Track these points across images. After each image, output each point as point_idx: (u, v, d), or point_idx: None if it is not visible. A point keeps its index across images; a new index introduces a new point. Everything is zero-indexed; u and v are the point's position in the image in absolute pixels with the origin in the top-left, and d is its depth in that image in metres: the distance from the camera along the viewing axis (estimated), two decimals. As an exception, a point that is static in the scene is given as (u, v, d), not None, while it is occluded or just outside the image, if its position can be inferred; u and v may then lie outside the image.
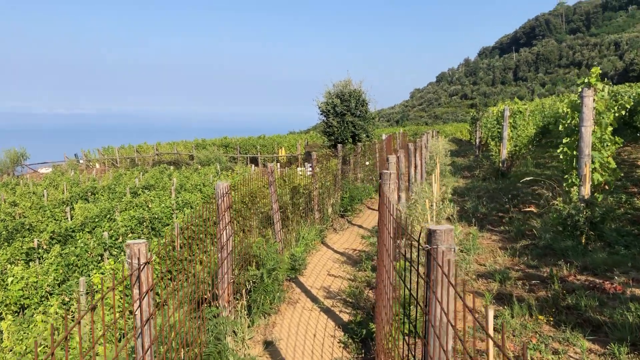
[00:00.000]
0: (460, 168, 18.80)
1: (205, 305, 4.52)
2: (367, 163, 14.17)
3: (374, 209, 12.38)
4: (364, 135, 31.97)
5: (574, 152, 7.64)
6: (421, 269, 2.59)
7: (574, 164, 7.51)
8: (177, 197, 23.73)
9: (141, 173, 38.26)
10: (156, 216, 20.16)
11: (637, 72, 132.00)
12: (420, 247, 2.19)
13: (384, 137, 19.44)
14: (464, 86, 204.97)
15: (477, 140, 23.82)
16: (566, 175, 7.73)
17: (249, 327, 5.06)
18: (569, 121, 7.86)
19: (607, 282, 5.64)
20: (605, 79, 8.33)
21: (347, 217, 11.10)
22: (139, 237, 18.06)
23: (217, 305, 4.70)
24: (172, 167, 41.35)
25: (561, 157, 7.84)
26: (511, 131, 15.82)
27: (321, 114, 32.93)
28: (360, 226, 10.42)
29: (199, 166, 41.94)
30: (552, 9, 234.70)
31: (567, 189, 7.74)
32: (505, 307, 5.19)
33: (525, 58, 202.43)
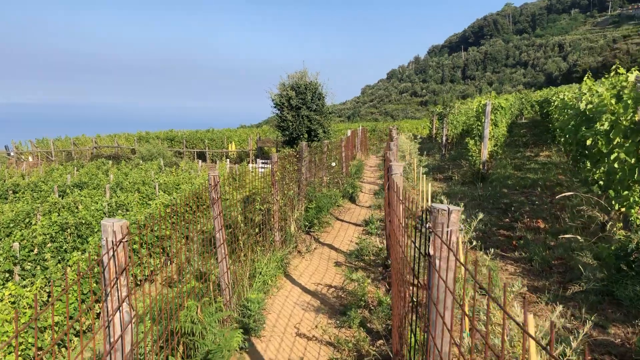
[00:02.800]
0: (430, 169, 16.95)
1: None
2: (334, 164, 12.04)
3: (344, 221, 10.24)
4: (321, 131, 29.84)
5: (634, 161, 5.63)
6: None
7: (637, 175, 5.54)
8: (112, 198, 20.89)
9: (75, 168, 34.64)
10: (83, 221, 17.22)
11: (579, 73, 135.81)
12: None
13: (349, 133, 17.34)
14: (414, 83, 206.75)
15: (444, 138, 22.13)
16: (625, 192, 5.77)
17: None
18: (628, 116, 5.84)
19: None
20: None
21: (313, 233, 8.93)
22: (61, 247, 15.28)
23: None
24: (110, 162, 37.88)
25: (616, 165, 5.86)
26: (492, 129, 14.07)
27: (275, 107, 30.56)
28: (331, 246, 8.26)
29: (141, 161, 38.59)
30: (499, 10, 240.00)
31: (622, 209, 5.81)
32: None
33: (473, 57, 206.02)
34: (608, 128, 6.25)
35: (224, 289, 4.82)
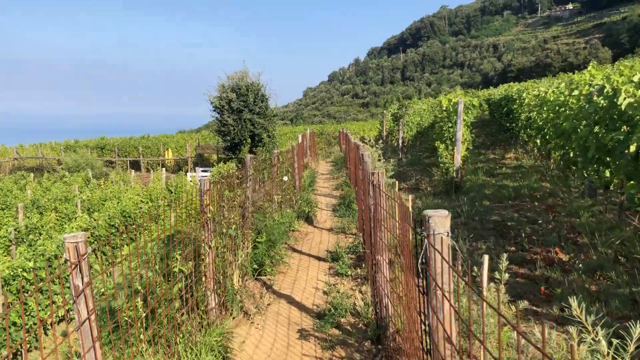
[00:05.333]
0: (392, 177, 14.98)
1: None
2: (285, 179, 9.78)
3: (303, 253, 7.99)
4: (266, 136, 27.42)
5: None
6: None
7: None
8: (26, 219, 17.74)
9: (-13, 184, 30.52)
10: (-26, 256, 14.11)
11: (514, 72, 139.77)
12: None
13: (299, 138, 15.09)
14: (355, 85, 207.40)
15: (400, 142, 20.32)
16: None
17: None
18: None
19: None
20: None
21: (265, 278, 6.62)
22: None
23: None
24: (32, 175, 33.90)
25: None
26: (464, 130, 12.24)
27: (214, 111, 27.92)
28: (290, 299, 6.00)
29: (67, 173, 34.70)
30: (436, 12, 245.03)
31: None
32: None
33: (412, 58, 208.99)
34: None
35: None
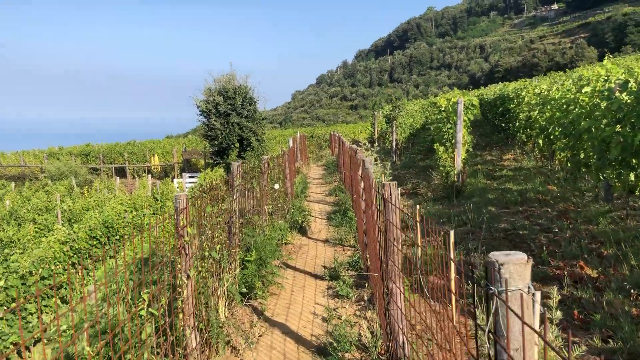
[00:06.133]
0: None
1: None
2: (277, 186, 9.00)
3: (298, 269, 7.22)
4: (254, 139, 26.59)
5: None
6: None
7: None
8: (1, 232, 16.82)
9: (-36, 194, 29.37)
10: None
11: (502, 73, 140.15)
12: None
13: (290, 142, 14.32)
14: (343, 88, 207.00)
15: (394, 144, 19.62)
16: None
17: None
18: None
19: None
20: None
21: (255, 302, 5.84)
22: None
23: None
24: (13, 184, 32.79)
25: None
26: (465, 132, 11.56)
27: (201, 115, 27.07)
28: (284, 328, 5.23)
29: (49, 181, 33.59)
30: (422, 13, 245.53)
31: None
32: None
33: (399, 60, 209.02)
34: None
35: None
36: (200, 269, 4.30)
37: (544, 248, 6.74)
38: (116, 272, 2.56)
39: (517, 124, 16.56)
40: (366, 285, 6.09)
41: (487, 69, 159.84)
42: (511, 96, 17.89)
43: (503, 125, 20.70)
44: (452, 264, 3.91)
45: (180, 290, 3.70)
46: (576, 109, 9.30)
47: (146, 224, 17.64)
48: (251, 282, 5.81)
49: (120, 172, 40.00)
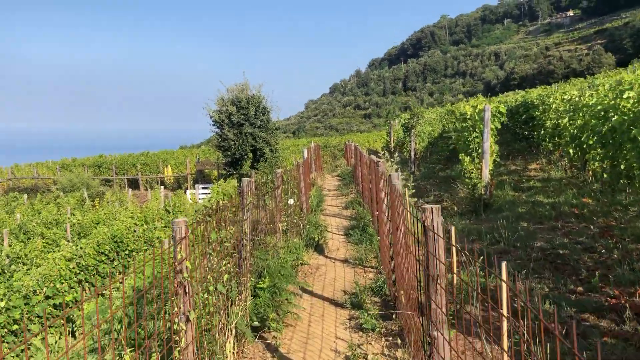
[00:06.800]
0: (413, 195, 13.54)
1: None
2: (291, 202, 8.36)
3: (315, 294, 6.54)
4: (268, 150, 26.02)
5: None
6: None
7: None
8: (8, 247, 16.43)
9: (-23, 207, 29.16)
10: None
11: (517, 80, 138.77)
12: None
13: (305, 153, 13.67)
14: (357, 97, 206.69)
15: (412, 153, 18.91)
16: None
17: None
18: None
19: None
20: None
21: (268, 335, 5.17)
22: None
23: None
24: (26, 196, 32.59)
25: None
26: (493, 141, 10.84)
27: (214, 125, 26.60)
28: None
29: (61, 193, 33.34)
30: (436, 22, 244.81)
31: None
32: None
33: (413, 69, 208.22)
34: None
35: None
36: (204, 306, 3.65)
37: (592, 271, 6.00)
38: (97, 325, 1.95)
39: (543, 132, 15.78)
40: (394, 316, 5.39)
41: (503, 77, 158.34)
42: (536, 103, 17.11)
43: (526, 133, 19.88)
44: (505, 296, 3.22)
45: (177, 337, 3.05)
46: (616, 116, 8.56)
47: (156, 238, 17.10)
48: (264, 313, 5.15)
49: (133, 184, 39.70)
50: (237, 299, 4.46)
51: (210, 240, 3.84)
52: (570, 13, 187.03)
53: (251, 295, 5.26)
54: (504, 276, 3.27)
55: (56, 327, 11.35)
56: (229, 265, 4.28)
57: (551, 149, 15.28)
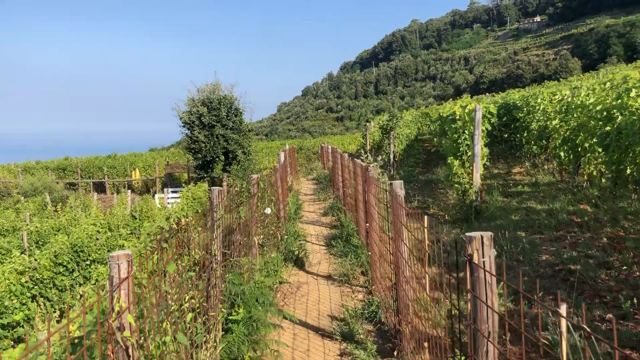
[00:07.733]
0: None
1: None
2: (268, 211, 7.42)
3: (298, 323, 5.61)
4: (240, 152, 24.95)
5: None
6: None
7: None
8: (-44, 258, 15.05)
9: None
10: None
11: (486, 84, 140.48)
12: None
13: (281, 157, 12.72)
14: (329, 100, 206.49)
15: (391, 156, 18.16)
16: None
17: None
18: None
19: None
20: None
21: (244, 380, 4.24)
22: None
23: None
24: (-17, 201, 30.72)
25: None
26: (483, 144, 10.10)
27: (184, 126, 25.40)
28: None
29: (22, 198, 31.55)
30: (407, 26, 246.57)
31: None
32: None
33: (384, 72, 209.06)
34: None
35: None
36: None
37: (616, 292, 5.24)
38: None
39: (527, 134, 15.19)
40: (395, 352, 4.49)
41: (472, 81, 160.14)
42: (519, 104, 16.53)
43: (506, 136, 19.34)
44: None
45: None
46: (622, 116, 7.89)
47: (120, 247, 15.88)
48: (238, 353, 4.20)
49: (100, 187, 38.00)
50: (203, 342, 3.51)
51: (166, 274, 2.89)
52: (538, 19, 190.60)
53: (222, 330, 4.30)
54: (564, 328, 2.41)
55: (4, 349, 10.13)
56: (193, 300, 3.33)
57: (536, 152, 14.69)
